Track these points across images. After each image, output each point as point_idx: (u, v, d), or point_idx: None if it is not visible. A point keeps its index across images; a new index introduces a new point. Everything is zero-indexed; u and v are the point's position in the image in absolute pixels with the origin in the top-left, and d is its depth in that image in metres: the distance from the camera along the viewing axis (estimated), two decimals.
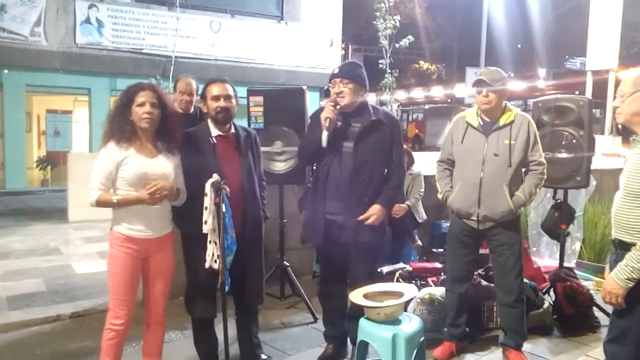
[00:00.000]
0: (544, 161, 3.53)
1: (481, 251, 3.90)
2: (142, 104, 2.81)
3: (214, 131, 3.18)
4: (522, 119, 3.48)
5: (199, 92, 4.72)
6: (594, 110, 4.44)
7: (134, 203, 2.79)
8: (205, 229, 2.84)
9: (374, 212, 3.27)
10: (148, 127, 2.84)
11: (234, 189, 3.08)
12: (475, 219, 3.49)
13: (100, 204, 2.79)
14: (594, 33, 13.27)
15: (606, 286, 2.43)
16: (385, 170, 3.40)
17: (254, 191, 3.25)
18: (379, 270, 4.01)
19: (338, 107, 3.29)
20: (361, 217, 3.25)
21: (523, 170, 3.53)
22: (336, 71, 3.42)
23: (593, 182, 4.88)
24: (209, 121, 3.21)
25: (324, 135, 3.28)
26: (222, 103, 3.13)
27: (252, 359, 3.41)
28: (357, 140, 3.29)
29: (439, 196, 3.73)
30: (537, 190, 3.53)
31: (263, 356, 3.47)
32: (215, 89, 3.15)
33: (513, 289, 3.55)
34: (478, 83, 3.47)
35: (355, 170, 3.28)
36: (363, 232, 3.28)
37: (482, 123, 3.52)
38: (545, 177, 3.54)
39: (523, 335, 3.64)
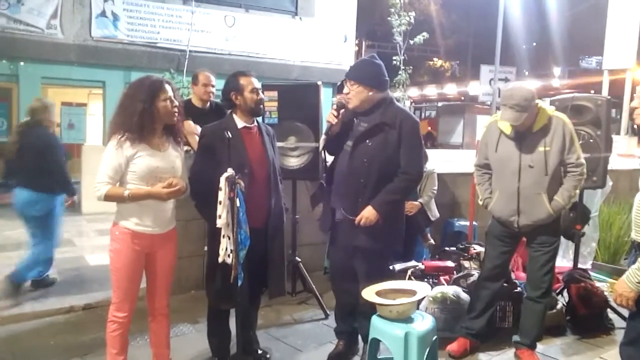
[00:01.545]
0: (583, 161, 3.42)
1: None
2: (168, 99, 2.83)
3: (240, 123, 3.23)
4: (557, 121, 3.39)
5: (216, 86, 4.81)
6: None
7: (144, 198, 2.79)
8: (219, 223, 2.83)
9: (364, 214, 3.19)
10: (175, 121, 2.88)
11: (261, 180, 3.19)
12: (516, 225, 3.48)
13: (109, 198, 2.76)
14: (612, 32, 13.11)
15: (617, 288, 2.43)
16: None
17: (277, 182, 3.32)
18: (390, 268, 4.00)
19: (342, 111, 3.28)
20: (356, 221, 3.20)
21: (562, 169, 3.43)
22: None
23: (609, 183, 4.82)
24: (236, 113, 3.25)
25: (321, 139, 3.32)
26: (261, 95, 3.25)
27: (250, 353, 3.43)
28: (356, 143, 3.24)
29: (479, 202, 3.72)
30: (577, 191, 3.47)
31: (260, 351, 3.51)
32: (254, 82, 3.23)
33: (541, 285, 3.54)
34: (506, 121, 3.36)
35: (350, 171, 3.25)
36: (358, 236, 3.24)
37: (514, 130, 3.42)
38: (585, 176, 3.46)
39: (539, 335, 3.63)
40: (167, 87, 2.86)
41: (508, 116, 3.31)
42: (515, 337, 3.68)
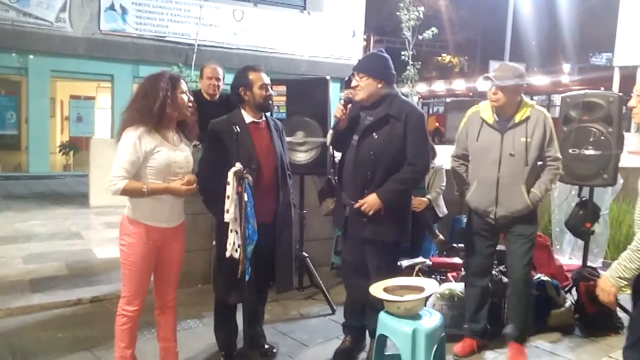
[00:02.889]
0: (560, 156, 3.49)
1: (502, 247, 3.86)
2: (185, 93, 2.84)
3: (248, 118, 3.22)
4: (538, 114, 3.42)
5: (224, 79, 4.81)
6: None
7: (162, 193, 2.77)
8: (227, 217, 2.83)
9: (367, 199, 3.19)
10: (189, 116, 2.89)
11: (269, 174, 3.19)
12: (493, 216, 3.48)
13: (126, 192, 2.70)
14: (623, 28, 12.99)
15: (600, 283, 2.43)
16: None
17: (285, 177, 3.31)
18: (398, 264, 3.99)
19: (349, 106, 3.27)
20: (357, 205, 3.21)
21: (539, 163, 3.48)
22: (355, 63, 3.40)
23: (620, 181, 4.77)
24: (244, 108, 3.24)
25: (329, 133, 3.32)
26: (270, 91, 3.23)
27: (256, 348, 3.43)
28: (362, 136, 3.24)
29: (455, 193, 3.71)
30: (553, 185, 3.53)
31: (266, 345, 3.51)
32: (264, 77, 3.21)
33: (519, 276, 3.54)
34: (485, 79, 3.44)
35: (357, 164, 3.25)
36: (365, 228, 3.25)
37: (497, 119, 3.46)
38: (561, 171, 3.53)
39: (526, 328, 3.61)
40: (183, 80, 2.88)
41: (499, 74, 3.37)
42: (508, 329, 3.66)
